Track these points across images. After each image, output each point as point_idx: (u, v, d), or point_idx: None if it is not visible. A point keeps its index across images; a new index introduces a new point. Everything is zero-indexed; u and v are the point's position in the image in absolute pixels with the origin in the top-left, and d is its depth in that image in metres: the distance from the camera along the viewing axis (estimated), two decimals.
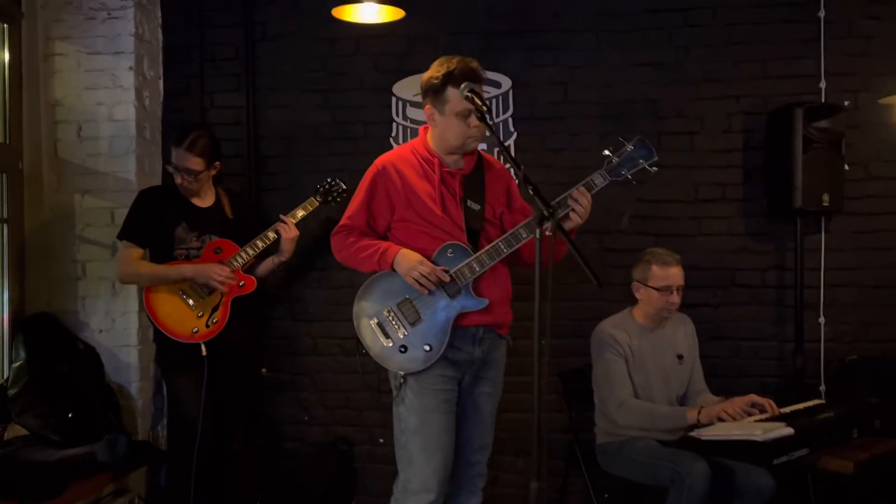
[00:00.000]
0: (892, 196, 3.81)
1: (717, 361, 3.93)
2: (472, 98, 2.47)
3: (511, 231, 2.64)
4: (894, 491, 2.91)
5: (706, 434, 2.73)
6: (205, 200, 3.45)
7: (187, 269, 3.31)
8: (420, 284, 2.60)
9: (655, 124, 3.96)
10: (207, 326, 3.33)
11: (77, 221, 3.96)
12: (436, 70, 2.68)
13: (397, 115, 4.10)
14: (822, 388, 3.83)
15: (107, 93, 3.97)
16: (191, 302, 3.34)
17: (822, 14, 3.81)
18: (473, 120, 2.61)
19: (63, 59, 3.96)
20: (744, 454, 2.62)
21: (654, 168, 2.64)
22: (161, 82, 4.22)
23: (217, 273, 3.27)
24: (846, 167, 3.77)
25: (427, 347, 2.64)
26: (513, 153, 4.03)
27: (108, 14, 3.96)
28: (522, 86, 4.03)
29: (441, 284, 2.62)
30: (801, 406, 3.08)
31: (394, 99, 4.10)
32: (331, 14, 3.63)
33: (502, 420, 3.99)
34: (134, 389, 3.94)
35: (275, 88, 4.21)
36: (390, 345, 2.68)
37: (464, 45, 4.03)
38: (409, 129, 4.09)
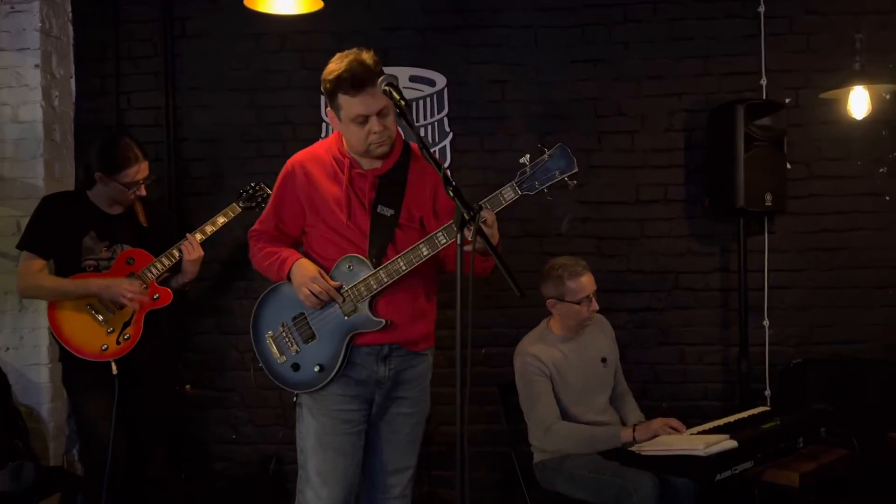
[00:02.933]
0: (835, 195, 3.74)
1: (661, 368, 3.83)
2: (391, 92, 2.21)
3: (411, 247, 2.38)
4: (841, 499, 2.83)
5: (647, 449, 2.59)
6: (115, 207, 3.20)
7: (93, 285, 3.04)
8: (309, 301, 2.42)
9: (596, 123, 3.84)
10: (118, 343, 3.07)
11: None
12: (327, 72, 2.38)
13: (327, 115, 3.89)
14: (768, 392, 3.75)
15: (11, 92, 3.71)
16: (100, 317, 3.08)
17: (761, 10, 3.74)
18: (373, 125, 2.35)
19: None
20: (685, 469, 2.48)
21: (574, 182, 2.31)
22: (73, 81, 3.96)
23: (126, 290, 3.02)
24: (788, 166, 3.70)
25: (317, 368, 2.44)
26: (448, 154, 3.86)
27: (12, 7, 3.70)
28: (458, 84, 3.87)
29: (336, 301, 2.42)
30: (745, 414, 2.97)
31: (323, 98, 3.87)
32: (255, 9, 3.40)
33: (440, 433, 3.87)
34: (45, 411, 3.67)
35: (197, 88, 3.98)
36: (283, 361, 2.50)
37: (396, 41, 3.88)
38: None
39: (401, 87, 3.76)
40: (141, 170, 3.10)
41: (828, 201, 3.74)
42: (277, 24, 3.72)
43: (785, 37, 3.75)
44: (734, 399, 3.70)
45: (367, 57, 2.34)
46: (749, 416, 2.93)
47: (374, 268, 2.40)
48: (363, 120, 2.36)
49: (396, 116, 2.36)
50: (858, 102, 3.30)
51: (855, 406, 3.41)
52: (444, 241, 2.35)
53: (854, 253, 3.74)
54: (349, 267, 2.43)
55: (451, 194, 1.98)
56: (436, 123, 3.86)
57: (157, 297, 3.16)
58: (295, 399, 2.52)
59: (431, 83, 3.87)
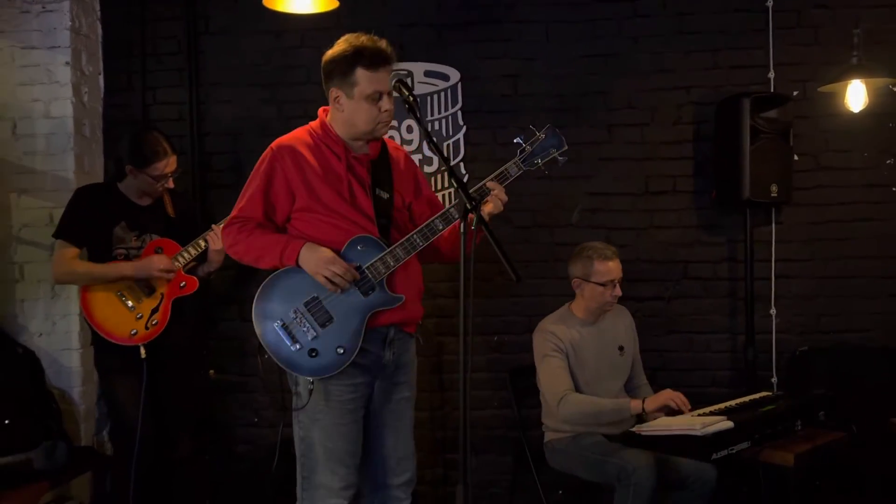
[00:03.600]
0: (842, 186, 3.81)
1: (669, 356, 3.92)
2: (401, 88, 2.32)
3: (427, 223, 2.45)
4: (835, 480, 2.92)
5: (646, 429, 2.71)
6: (145, 199, 3.35)
7: (126, 268, 3.20)
8: (333, 283, 2.40)
9: (606, 116, 3.93)
10: (147, 328, 3.22)
11: (14, 222, 3.83)
12: (342, 49, 2.43)
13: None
14: (774, 379, 3.83)
15: (43, 89, 3.84)
16: (129, 303, 3.24)
17: (770, 3, 3.80)
18: (385, 103, 2.43)
19: None
20: (683, 449, 2.60)
21: (564, 157, 2.51)
22: (101, 77, 4.10)
23: (157, 263, 3.17)
24: (795, 157, 3.78)
25: (340, 350, 2.44)
26: (462, 147, 3.97)
27: (43, 7, 3.83)
28: (471, 78, 3.97)
29: (353, 281, 2.44)
30: (746, 399, 3.07)
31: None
32: (273, 8, 3.54)
33: (453, 418, 4.00)
34: (76, 394, 3.82)
35: (219, 83, 4.11)
36: (298, 349, 2.45)
37: (412, 36, 3.99)
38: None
39: (416, 81, 3.99)
40: (170, 163, 3.25)
41: (835, 192, 3.82)
42: (296, 21, 3.84)
43: (793, 30, 3.81)
44: (741, 386, 3.77)
45: (378, 39, 2.44)
46: (751, 400, 3.02)
47: (387, 247, 2.46)
48: (378, 97, 2.41)
49: (406, 112, 2.47)
50: (856, 96, 3.36)
51: (859, 392, 3.50)
52: (458, 215, 2.39)
53: (860, 243, 3.80)
54: (360, 247, 2.45)
55: (455, 185, 2.09)
56: (450, 117, 3.97)
57: (184, 285, 3.30)
58: (311, 386, 2.49)
59: (446, 78, 3.98)
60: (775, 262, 3.83)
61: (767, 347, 3.84)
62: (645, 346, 3.87)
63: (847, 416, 2.92)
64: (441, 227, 2.44)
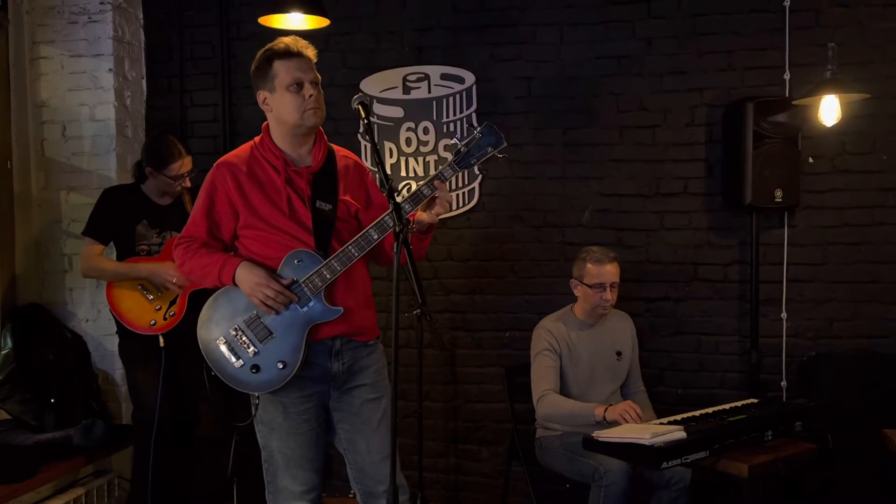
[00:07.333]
0: (858, 190, 3.73)
1: (678, 356, 3.94)
2: (359, 110, 2.38)
3: (362, 233, 2.44)
4: (796, 493, 2.90)
5: (604, 436, 2.78)
6: (165, 198, 3.61)
7: (143, 269, 3.46)
8: (267, 306, 2.43)
9: (618, 118, 3.95)
10: (165, 319, 3.48)
11: (63, 217, 4.18)
12: (258, 55, 2.54)
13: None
14: (784, 384, 3.80)
15: (88, 94, 4.16)
16: (150, 296, 3.51)
17: (787, 3, 3.73)
18: (308, 90, 2.46)
19: (48, 62, 4.17)
20: (635, 456, 2.66)
21: (503, 155, 2.48)
22: (144, 82, 4.40)
23: (170, 275, 3.42)
24: (810, 160, 3.72)
25: (280, 365, 2.45)
26: None
27: (89, 18, 4.14)
28: (486, 81, 4.06)
29: (292, 300, 2.44)
30: (727, 406, 3.07)
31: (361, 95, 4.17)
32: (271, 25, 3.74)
33: (464, 409, 4.14)
34: (118, 376, 4.15)
35: (250, 86, 4.26)
36: (241, 365, 2.48)
37: (429, 40, 4.12)
38: (374, 125, 4.17)
39: (433, 84, 4.12)
40: (185, 164, 3.50)
41: (850, 196, 3.73)
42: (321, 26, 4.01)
43: (811, 30, 3.73)
44: (749, 389, 3.77)
45: (297, 39, 2.53)
46: (730, 408, 3.03)
47: (324, 259, 2.45)
48: (298, 86, 2.46)
49: (362, 133, 2.56)
50: (829, 111, 3.27)
51: (864, 400, 3.45)
52: (392, 224, 2.37)
53: (876, 247, 3.72)
54: (298, 261, 2.46)
55: (392, 206, 2.20)
56: (464, 119, 4.08)
57: None
58: (256, 401, 2.55)
59: (461, 80, 4.08)
60: (787, 265, 3.79)
61: (778, 351, 3.81)
62: (653, 347, 3.92)
63: (840, 425, 2.87)
64: (376, 237, 2.43)
